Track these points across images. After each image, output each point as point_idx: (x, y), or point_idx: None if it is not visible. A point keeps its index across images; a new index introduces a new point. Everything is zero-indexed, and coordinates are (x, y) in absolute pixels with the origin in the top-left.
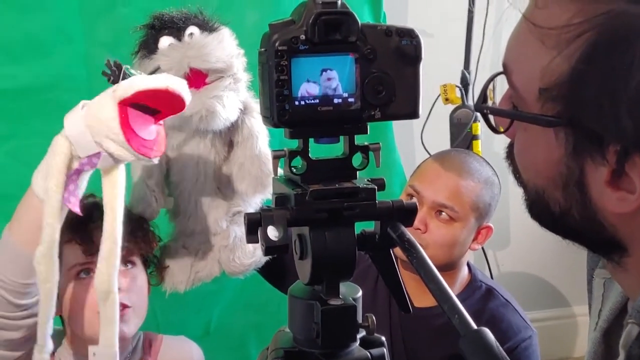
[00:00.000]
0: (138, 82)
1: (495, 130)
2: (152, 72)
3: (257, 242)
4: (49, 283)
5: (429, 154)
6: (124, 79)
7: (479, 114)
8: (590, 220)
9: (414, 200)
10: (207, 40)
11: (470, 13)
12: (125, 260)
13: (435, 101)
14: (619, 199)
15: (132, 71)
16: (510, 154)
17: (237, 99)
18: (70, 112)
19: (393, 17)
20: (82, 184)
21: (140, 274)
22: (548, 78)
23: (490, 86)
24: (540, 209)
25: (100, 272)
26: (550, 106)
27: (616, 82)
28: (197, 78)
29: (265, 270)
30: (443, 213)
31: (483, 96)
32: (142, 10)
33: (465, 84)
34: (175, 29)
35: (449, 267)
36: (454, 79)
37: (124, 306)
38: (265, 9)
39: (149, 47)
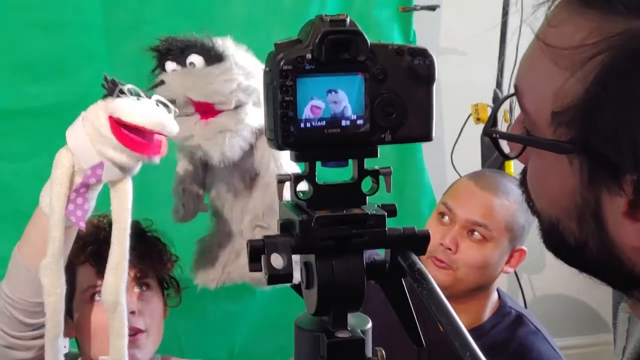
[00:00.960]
0: (123, 110)
1: (505, 156)
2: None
3: (260, 270)
4: (54, 296)
5: (459, 175)
6: (119, 95)
7: None
8: (608, 254)
9: (446, 218)
10: (205, 71)
11: (503, 31)
12: (140, 282)
13: (466, 121)
14: (637, 231)
15: (129, 89)
16: (523, 181)
17: (248, 128)
18: (71, 125)
19: (424, 35)
20: (92, 199)
21: (155, 297)
22: (561, 101)
23: (507, 108)
24: (555, 241)
25: (107, 284)
26: (563, 131)
27: (633, 107)
28: (203, 106)
29: (297, 286)
30: (475, 233)
31: (493, 119)
32: (168, 29)
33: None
34: (178, 55)
35: (480, 290)
36: (486, 98)
37: (137, 330)
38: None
39: (157, 69)
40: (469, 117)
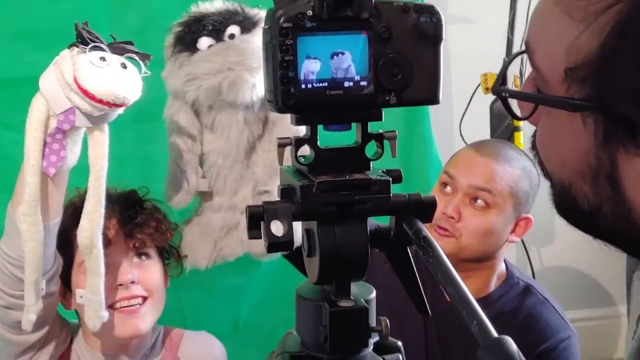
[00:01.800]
0: (81, 76)
1: (515, 116)
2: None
3: (260, 237)
4: (33, 242)
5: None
6: (82, 42)
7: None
8: (624, 219)
9: (448, 188)
10: (247, 42)
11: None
12: (139, 252)
13: (475, 91)
14: None
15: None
16: (535, 144)
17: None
18: (45, 70)
19: (432, 3)
20: (72, 149)
21: (155, 266)
22: (575, 56)
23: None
24: (568, 206)
25: (82, 229)
26: (577, 88)
27: None
28: None
29: (292, 256)
30: (478, 200)
31: (502, 78)
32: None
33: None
34: (215, 30)
35: (485, 258)
36: (496, 67)
37: (141, 298)
38: None
39: (186, 43)
40: (478, 86)
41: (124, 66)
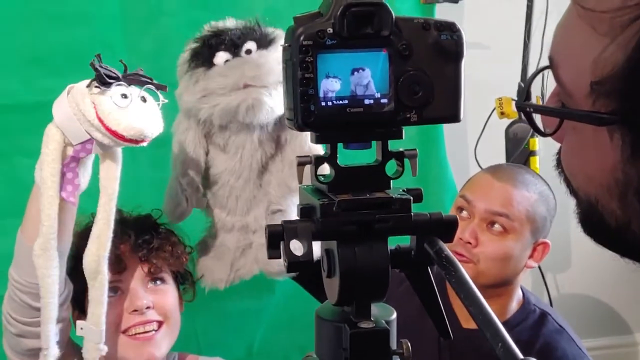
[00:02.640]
0: (106, 116)
1: (540, 132)
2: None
3: (279, 257)
4: (49, 278)
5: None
6: (102, 81)
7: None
8: None
9: (464, 213)
10: (264, 58)
11: (528, 24)
12: (154, 277)
13: (490, 115)
14: None
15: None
16: (560, 161)
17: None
18: (58, 99)
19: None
20: (84, 175)
21: (170, 291)
22: (600, 70)
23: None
24: (594, 223)
25: (89, 252)
26: (603, 103)
27: None
28: None
29: (304, 280)
30: (496, 225)
31: (526, 93)
32: (186, 20)
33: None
34: (232, 45)
35: (503, 284)
36: (511, 92)
37: (158, 323)
38: None
39: (203, 59)
40: (492, 111)
41: (144, 99)
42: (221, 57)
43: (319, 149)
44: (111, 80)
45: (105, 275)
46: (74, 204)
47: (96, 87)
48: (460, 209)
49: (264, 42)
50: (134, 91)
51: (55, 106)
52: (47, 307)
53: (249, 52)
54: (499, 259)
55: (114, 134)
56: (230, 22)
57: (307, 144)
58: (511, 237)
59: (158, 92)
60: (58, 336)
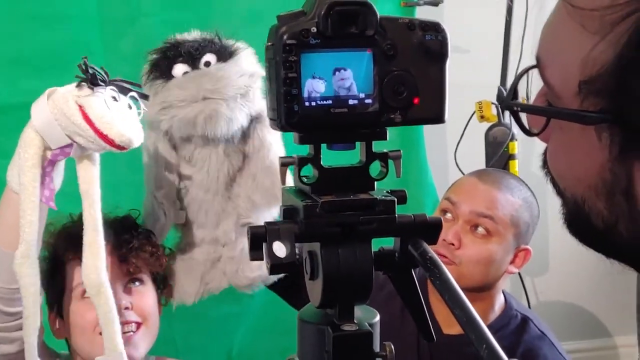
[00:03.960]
0: (97, 118)
1: (527, 132)
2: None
3: (262, 259)
4: (32, 287)
5: (462, 174)
6: (93, 83)
7: (514, 132)
8: None
9: (449, 215)
10: (223, 71)
11: (508, 28)
12: (133, 278)
13: (470, 119)
14: None
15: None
16: (546, 161)
17: (246, 104)
18: (36, 103)
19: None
20: (57, 176)
21: (149, 292)
22: (590, 68)
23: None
24: (581, 223)
25: (86, 265)
26: (592, 101)
27: None
28: None
29: (277, 287)
30: (479, 228)
31: (513, 92)
32: (164, 21)
33: (501, 100)
34: (190, 57)
35: (484, 288)
36: (491, 95)
37: (136, 324)
38: None
39: (161, 70)
40: (472, 114)
41: (130, 107)
42: (179, 69)
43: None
44: (102, 83)
45: (108, 288)
46: (54, 207)
47: (89, 87)
48: (444, 212)
49: (224, 55)
50: (122, 98)
51: (35, 110)
52: (30, 317)
53: (207, 64)
54: (481, 262)
55: (104, 138)
56: (194, 34)
57: (268, 158)
58: (494, 240)
59: (141, 102)
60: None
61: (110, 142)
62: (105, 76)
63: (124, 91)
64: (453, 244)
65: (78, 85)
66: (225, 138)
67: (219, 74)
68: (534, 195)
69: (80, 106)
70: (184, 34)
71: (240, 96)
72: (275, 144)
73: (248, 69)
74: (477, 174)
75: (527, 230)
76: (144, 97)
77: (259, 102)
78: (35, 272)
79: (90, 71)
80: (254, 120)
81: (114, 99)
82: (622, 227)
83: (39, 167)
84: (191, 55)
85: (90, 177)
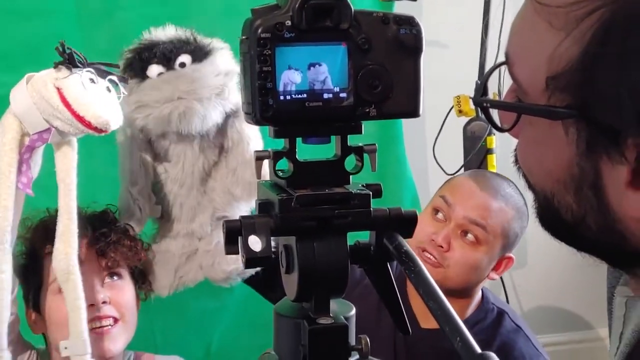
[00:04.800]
0: (75, 99)
1: (497, 127)
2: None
3: (237, 252)
4: (3, 274)
5: (441, 168)
6: (72, 63)
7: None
8: (609, 230)
9: (440, 215)
10: (198, 72)
11: (485, 22)
12: (111, 272)
13: (448, 113)
14: None
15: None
16: (517, 157)
17: (220, 102)
18: (15, 87)
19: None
20: (35, 165)
21: (127, 287)
22: (556, 65)
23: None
24: (551, 217)
25: (57, 251)
26: (558, 97)
27: (635, 66)
28: None
29: (254, 281)
30: (469, 234)
31: (483, 89)
32: (142, 15)
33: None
34: (165, 58)
35: (464, 293)
36: (469, 90)
37: (113, 319)
38: None
39: (135, 71)
40: (451, 109)
41: (109, 90)
42: (154, 70)
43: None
44: (80, 65)
45: (77, 275)
46: (31, 194)
47: (66, 68)
48: (436, 210)
49: (199, 55)
50: (101, 80)
51: (14, 95)
52: (2, 307)
53: (182, 65)
54: (467, 267)
55: (81, 120)
56: (168, 30)
57: (248, 151)
58: (482, 248)
59: (120, 85)
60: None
61: (88, 125)
62: (83, 59)
63: (102, 74)
64: (442, 247)
65: (56, 67)
66: (200, 134)
67: (194, 75)
68: (526, 204)
69: (58, 88)
70: (158, 31)
71: (215, 95)
72: (254, 137)
73: (223, 68)
74: (475, 177)
75: (514, 241)
76: (123, 80)
77: (235, 98)
78: (7, 260)
79: (67, 51)
80: (232, 115)
81: (92, 81)
82: (590, 221)
83: (16, 152)
84: (165, 56)
85: (67, 166)
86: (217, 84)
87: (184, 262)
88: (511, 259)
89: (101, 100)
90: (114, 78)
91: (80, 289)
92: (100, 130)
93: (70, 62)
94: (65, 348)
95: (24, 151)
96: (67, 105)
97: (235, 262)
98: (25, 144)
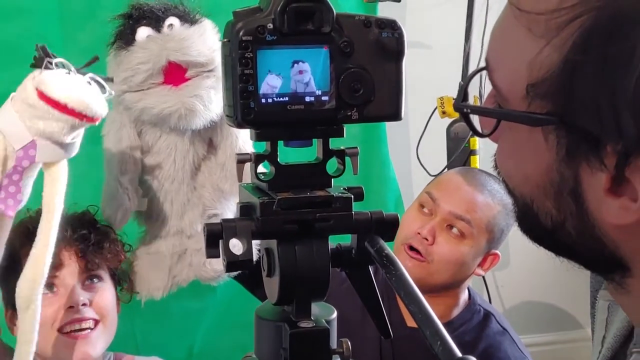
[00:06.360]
0: (49, 84)
1: (477, 133)
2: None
3: (218, 256)
4: None
5: (424, 169)
6: (47, 66)
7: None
8: (588, 235)
9: (426, 209)
10: (188, 32)
11: (469, 24)
12: (91, 274)
13: (431, 114)
14: (620, 207)
15: (58, 62)
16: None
17: (218, 97)
18: (1, 107)
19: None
20: (26, 187)
21: (108, 290)
22: (536, 72)
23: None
24: (530, 222)
25: (24, 277)
26: (539, 104)
27: (615, 74)
28: (175, 72)
29: (243, 278)
30: (454, 228)
31: (463, 94)
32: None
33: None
34: (154, 19)
35: (450, 288)
36: (452, 91)
37: (93, 321)
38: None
39: (125, 37)
40: (434, 110)
41: (89, 84)
42: (143, 32)
43: (251, 150)
44: (55, 56)
45: (38, 307)
46: (11, 217)
47: (40, 60)
48: (422, 205)
49: (187, 19)
50: (79, 76)
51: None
52: None
53: (171, 27)
54: (452, 262)
55: (55, 104)
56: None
57: (237, 146)
58: (467, 242)
59: (105, 85)
60: None
61: (67, 110)
62: (62, 61)
63: (82, 74)
64: (427, 239)
65: (34, 66)
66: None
67: (183, 34)
68: None
69: (36, 88)
70: None
71: (213, 90)
72: (243, 132)
73: (213, 44)
74: (462, 172)
75: (500, 237)
76: (108, 80)
77: None
78: None
79: (40, 45)
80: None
81: (68, 73)
82: (570, 226)
83: (0, 171)
84: (155, 16)
85: (54, 190)
86: (206, 52)
87: (175, 261)
88: (497, 256)
89: (80, 87)
90: (97, 77)
91: (36, 322)
92: (83, 116)
93: (45, 53)
94: None
95: (11, 172)
96: (43, 97)
97: None
98: (12, 165)
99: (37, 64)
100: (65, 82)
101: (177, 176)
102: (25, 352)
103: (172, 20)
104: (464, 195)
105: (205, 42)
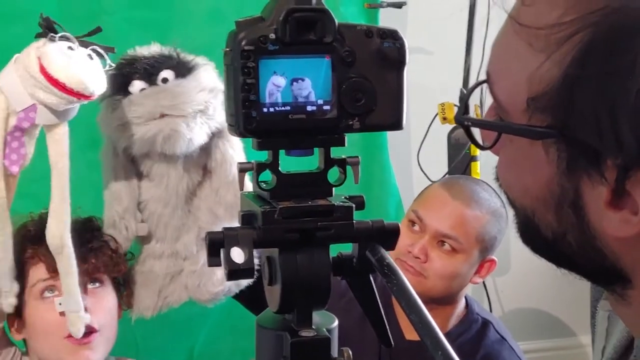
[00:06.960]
0: (50, 62)
1: (479, 145)
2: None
3: (219, 265)
4: (1, 237)
5: (425, 175)
6: (48, 26)
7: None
8: (589, 247)
9: (416, 227)
10: (181, 87)
11: (470, 30)
12: (92, 278)
13: (432, 120)
14: (621, 220)
15: (62, 36)
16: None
17: (206, 122)
18: (5, 68)
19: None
20: (29, 145)
21: (108, 295)
22: (536, 86)
23: (477, 103)
24: (531, 234)
25: (50, 229)
26: (539, 118)
27: (614, 88)
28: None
29: (241, 297)
30: (446, 244)
31: (464, 107)
32: (126, 19)
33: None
34: (147, 74)
35: (447, 300)
36: (453, 97)
37: (90, 329)
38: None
39: (118, 86)
40: (435, 116)
41: (90, 57)
42: (136, 85)
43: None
44: (58, 29)
45: (70, 248)
46: (15, 174)
47: (45, 37)
48: (412, 223)
49: (182, 71)
50: (81, 49)
51: (2, 73)
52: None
53: (165, 80)
54: (447, 276)
55: (55, 83)
56: (152, 47)
57: (232, 173)
58: (459, 257)
59: (106, 56)
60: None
61: (62, 87)
62: (63, 30)
63: (85, 45)
64: (419, 258)
65: (38, 36)
66: (185, 154)
67: (177, 89)
68: (504, 204)
69: (38, 58)
70: (142, 48)
71: (200, 113)
72: (237, 158)
73: (207, 84)
74: (447, 186)
75: (493, 244)
76: (109, 49)
77: (219, 117)
78: (3, 225)
79: (44, 16)
80: (215, 135)
81: (70, 48)
82: (570, 238)
83: (3, 129)
84: (148, 71)
85: (59, 150)
86: (200, 100)
87: (168, 282)
88: (493, 262)
89: (78, 64)
90: (98, 48)
91: (73, 259)
92: (79, 95)
93: (47, 26)
94: (60, 304)
95: (13, 130)
96: (44, 73)
97: (222, 283)
98: (13, 124)
99: (42, 34)
100: (65, 61)
101: (170, 201)
102: (70, 281)
103: (166, 73)
104: (451, 211)
105: (200, 90)
